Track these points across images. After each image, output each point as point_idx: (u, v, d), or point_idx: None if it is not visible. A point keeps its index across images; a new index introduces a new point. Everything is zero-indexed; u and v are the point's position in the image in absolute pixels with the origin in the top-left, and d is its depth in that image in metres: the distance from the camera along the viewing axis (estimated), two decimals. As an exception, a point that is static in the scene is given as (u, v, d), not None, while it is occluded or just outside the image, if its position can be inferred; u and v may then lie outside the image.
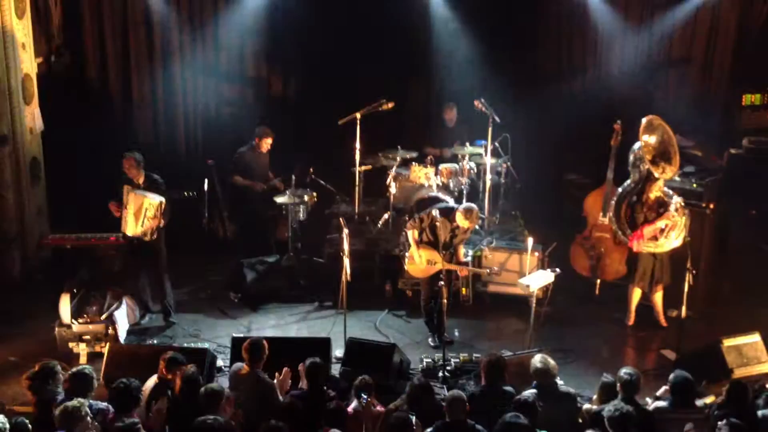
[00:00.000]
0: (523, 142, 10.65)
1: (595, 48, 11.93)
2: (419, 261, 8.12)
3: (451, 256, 8.22)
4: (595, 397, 6.46)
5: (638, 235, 8.35)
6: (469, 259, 9.12)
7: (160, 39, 11.50)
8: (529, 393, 5.93)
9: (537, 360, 6.26)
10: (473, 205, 8.22)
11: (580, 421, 6.08)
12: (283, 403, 5.99)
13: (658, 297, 8.72)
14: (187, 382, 5.99)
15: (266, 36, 11.76)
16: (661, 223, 8.26)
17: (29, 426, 5.43)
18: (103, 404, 5.77)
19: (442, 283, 7.75)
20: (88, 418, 5.42)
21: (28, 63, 9.62)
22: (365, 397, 6.01)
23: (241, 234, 10.46)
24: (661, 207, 8.33)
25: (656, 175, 8.19)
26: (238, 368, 6.53)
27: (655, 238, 8.28)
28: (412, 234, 8.15)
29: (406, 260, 8.28)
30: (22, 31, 9.47)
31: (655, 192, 8.35)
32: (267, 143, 9.90)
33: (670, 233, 8.24)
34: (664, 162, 8.25)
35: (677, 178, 8.99)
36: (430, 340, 8.50)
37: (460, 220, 7.98)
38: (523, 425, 5.33)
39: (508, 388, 6.28)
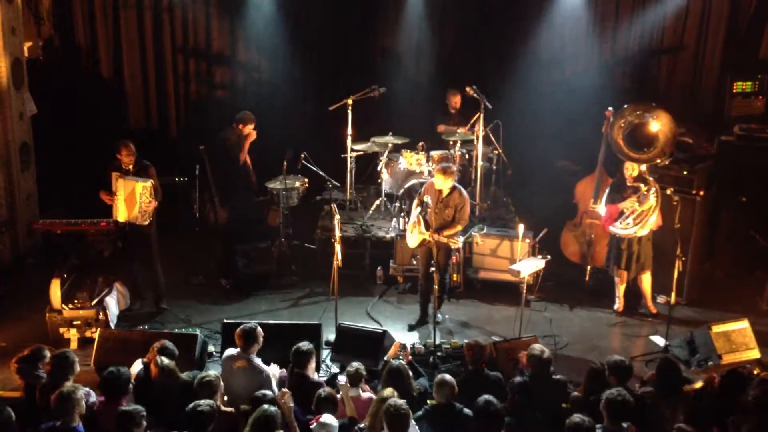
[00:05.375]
0: (514, 128, 10.65)
1: (588, 35, 11.90)
2: (415, 232, 8.20)
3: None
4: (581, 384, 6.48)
5: (605, 216, 8.46)
6: (460, 244, 9.13)
7: (151, 22, 11.45)
8: (520, 378, 6.00)
9: (534, 349, 6.28)
10: (448, 163, 8.26)
11: (567, 406, 6.10)
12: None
13: (645, 283, 8.75)
14: (163, 372, 6.02)
15: (257, 19, 11.70)
16: (623, 206, 8.33)
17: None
18: (85, 389, 5.78)
19: (434, 269, 7.78)
20: (83, 403, 5.43)
21: (17, 47, 9.56)
22: (341, 379, 6.08)
23: (233, 220, 10.44)
24: (634, 193, 8.40)
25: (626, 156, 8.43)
26: (230, 354, 6.51)
27: (628, 221, 8.35)
28: (415, 204, 8.25)
29: (408, 231, 8.35)
30: (11, 14, 9.41)
31: (628, 174, 8.41)
32: (250, 129, 9.91)
33: (641, 219, 8.30)
34: (636, 147, 8.40)
35: (667, 165, 9.01)
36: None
37: (438, 181, 8.03)
38: (497, 409, 5.38)
39: (495, 374, 6.32)
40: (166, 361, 6.08)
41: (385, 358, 6.71)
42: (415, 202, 8.30)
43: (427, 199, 8.06)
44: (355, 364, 6.21)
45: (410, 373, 6.19)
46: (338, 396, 5.99)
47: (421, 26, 11.86)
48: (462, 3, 11.68)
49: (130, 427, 5.22)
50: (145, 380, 6.13)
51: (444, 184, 8.04)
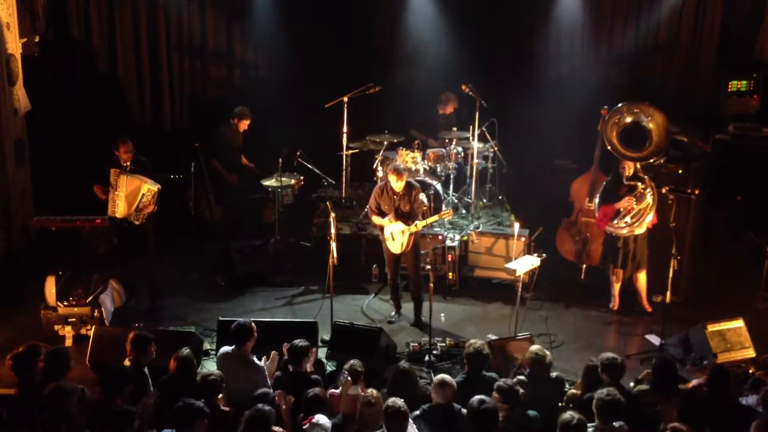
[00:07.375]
0: (510, 126, 10.65)
1: (584, 33, 11.91)
2: (391, 237, 8.25)
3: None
4: (578, 381, 6.48)
5: (600, 215, 8.47)
6: (455, 236, 9.11)
7: (146, 19, 11.41)
8: (514, 379, 6.01)
9: (533, 350, 6.27)
10: (399, 163, 8.55)
11: (563, 405, 6.10)
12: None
13: (641, 282, 8.76)
14: (182, 363, 6.01)
15: (253, 17, 11.68)
16: (620, 205, 8.34)
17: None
18: (80, 386, 5.75)
19: (429, 267, 7.80)
20: (74, 401, 5.41)
21: (12, 43, 9.52)
22: (345, 374, 6.04)
23: (228, 217, 10.44)
24: (630, 191, 8.41)
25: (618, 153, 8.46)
26: (226, 351, 6.50)
27: (626, 220, 8.37)
28: (375, 219, 8.32)
29: (385, 242, 8.35)
30: (6, 10, 9.37)
31: (626, 172, 8.42)
32: (245, 125, 9.95)
33: (638, 218, 8.32)
34: (630, 145, 8.42)
35: (662, 163, 9.02)
36: (392, 314, 8.69)
37: (393, 183, 8.11)
38: (490, 408, 5.36)
39: (492, 375, 6.32)
40: (186, 351, 6.07)
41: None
42: (376, 217, 8.31)
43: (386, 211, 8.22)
44: (355, 361, 6.21)
45: (417, 377, 6.17)
46: (337, 391, 5.99)
47: (419, 24, 11.84)
48: (460, 1, 11.66)
49: (122, 428, 5.20)
50: (137, 376, 6.11)
51: (398, 184, 8.12)
